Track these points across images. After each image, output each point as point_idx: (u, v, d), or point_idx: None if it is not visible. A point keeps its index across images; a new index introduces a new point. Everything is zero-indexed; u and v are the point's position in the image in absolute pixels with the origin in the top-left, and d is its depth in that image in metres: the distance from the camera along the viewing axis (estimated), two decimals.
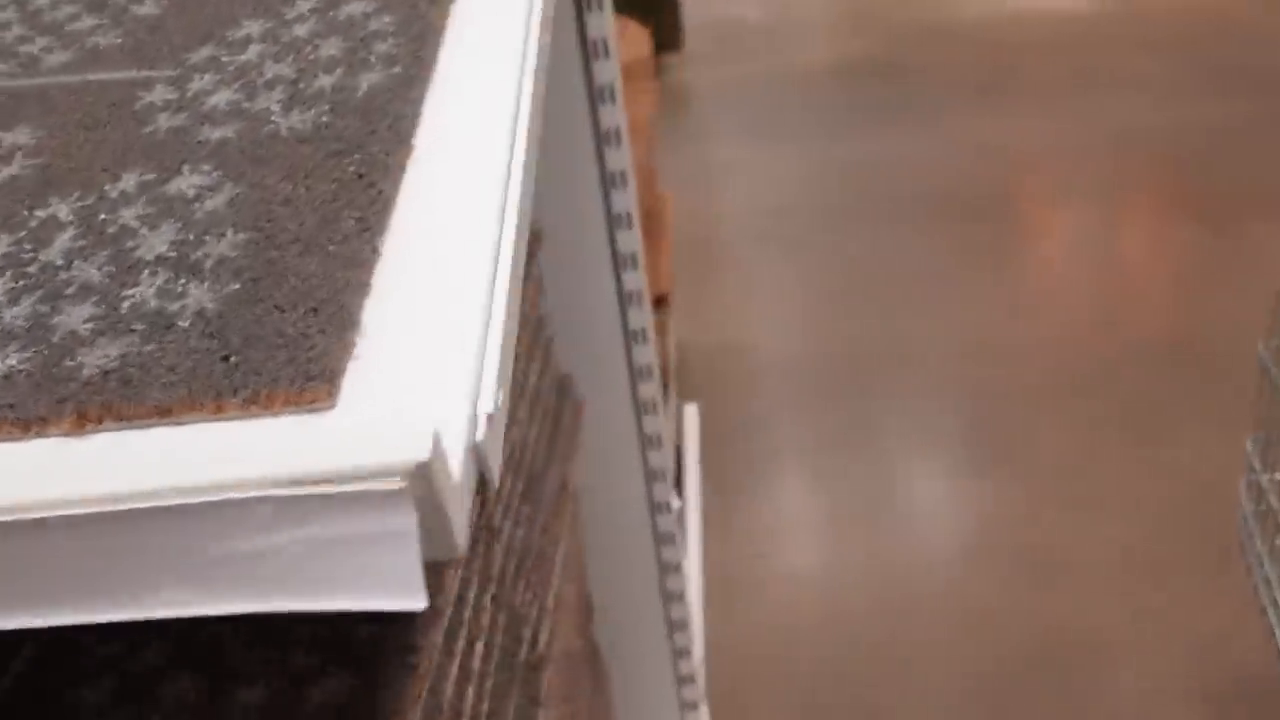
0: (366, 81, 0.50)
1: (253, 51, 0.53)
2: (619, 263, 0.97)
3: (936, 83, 3.23)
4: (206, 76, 0.52)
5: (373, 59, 0.51)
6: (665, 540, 1.08)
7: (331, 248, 0.41)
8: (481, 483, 0.37)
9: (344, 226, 0.41)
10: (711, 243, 2.49)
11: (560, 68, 0.91)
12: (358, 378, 0.37)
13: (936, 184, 2.62)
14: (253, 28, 0.56)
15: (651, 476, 1.05)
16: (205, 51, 0.54)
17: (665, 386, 1.72)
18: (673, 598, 1.11)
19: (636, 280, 0.97)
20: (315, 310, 0.38)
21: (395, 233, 0.42)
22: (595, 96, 0.92)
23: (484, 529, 0.61)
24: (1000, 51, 3.39)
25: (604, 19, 0.90)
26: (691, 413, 1.78)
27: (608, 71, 0.91)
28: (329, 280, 0.39)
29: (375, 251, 0.41)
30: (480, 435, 0.35)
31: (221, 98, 0.50)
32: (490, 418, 0.36)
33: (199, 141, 0.48)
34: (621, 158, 0.94)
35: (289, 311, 0.38)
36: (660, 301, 1.29)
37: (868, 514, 1.72)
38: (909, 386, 1.94)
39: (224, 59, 0.53)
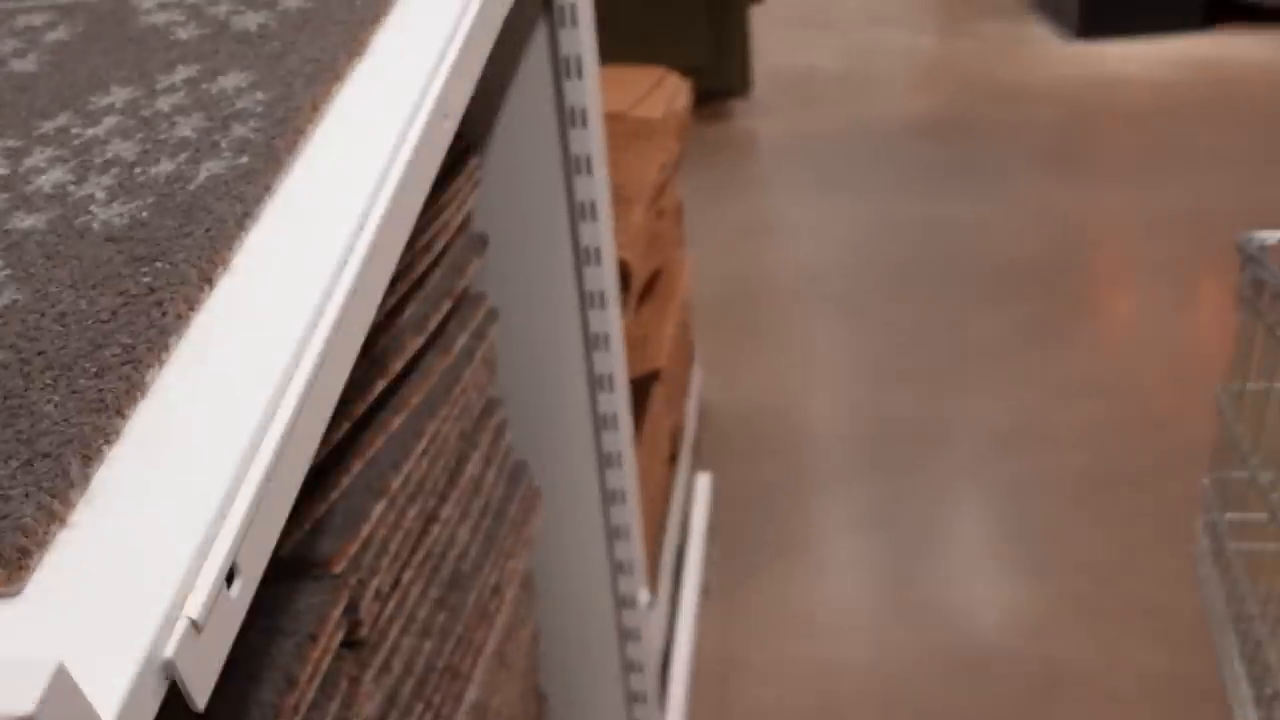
0: (207, 171, 0.44)
1: (106, 125, 0.48)
2: (590, 343, 0.90)
3: (1008, 145, 3.13)
4: (47, 151, 0.47)
5: (224, 144, 0.45)
6: (630, 636, 1.01)
7: (84, 381, 0.35)
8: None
9: (108, 355, 0.35)
10: (757, 298, 2.42)
11: (534, 135, 0.85)
12: (64, 555, 0.31)
13: (997, 252, 2.52)
14: (119, 96, 0.50)
15: (617, 569, 0.98)
16: (60, 120, 0.49)
17: (674, 456, 1.64)
18: (637, 698, 1.03)
19: (608, 362, 0.91)
20: (30, 464, 0.32)
21: (173, 365, 0.36)
22: (570, 167, 0.86)
23: (349, 680, 0.55)
24: (1077, 116, 3.28)
25: (583, 87, 0.84)
26: (703, 483, 1.70)
27: (584, 142, 0.85)
28: (63, 425, 0.33)
29: (135, 389, 0.35)
30: (171, 651, 0.28)
31: (51, 178, 0.45)
32: (196, 625, 0.29)
33: (4, 230, 0.42)
34: (596, 232, 0.87)
35: (2, 464, 0.32)
36: (653, 377, 1.22)
37: (881, 606, 1.63)
38: (943, 470, 1.84)
39: (74, 131, 0.48)
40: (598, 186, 0.86)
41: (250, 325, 0.37)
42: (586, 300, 0.89)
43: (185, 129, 0.47)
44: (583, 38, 0.83)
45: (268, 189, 0.43)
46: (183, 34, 0.54)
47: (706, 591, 1.62)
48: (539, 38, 0.83)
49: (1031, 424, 1.94)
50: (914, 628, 1.61)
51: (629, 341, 1.20)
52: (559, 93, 0.84)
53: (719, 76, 3.49)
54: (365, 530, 0.57)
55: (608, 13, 3.39)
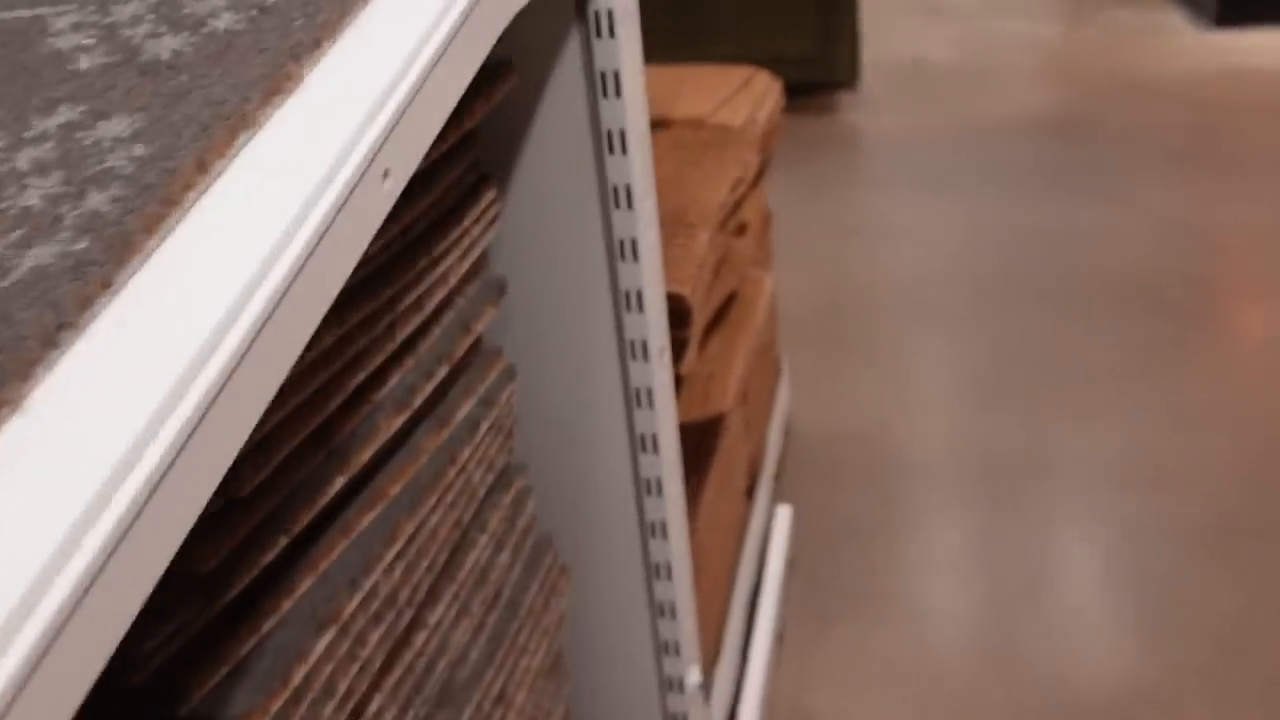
0: (34, 260, 0.33)
1: None
2: (630, 399, 0.78)
3: (1132, 146, 2.91)
4: None
5: (69, 219, 0.35)
6: None
7: None
8: None
9: None
10: (854, 309, 2.27)
11: (565, 163, 0.74)
12: None
13: (1117, 264, 2.33)
14: None
15: (662, 649, 0.87)
16: None
17: (752, 488, 1.52)
18: None
19: (652, 421, 0.79)
20: None
21: None
22: (608, 199, 0.74)
23: None
24: (1206, 114, 3.04)
25: (622, 106, 0.72)
26: (783, 517, 1.57)
27: (623, 170, 0.73)
28: None
29: None
30: None
31: None
32: None
33: None
34: (637, 274, 0.75)
35: None
36: (717, 422, 1.10)
37: (974, 661, 1.49)
38: (1049, 509, 1.68)
39: None
40: (640, 221, 0.75)
41: (26, 501, 0.27)
42: (626, 350, 0.77)
43: (34, 195, 0.36)
44: (622, 49, 0.71)
45: (105, 288, 0.32)
46: (84, 63, 0.44)
47: (780, 638, 1.50)
48: (571, 49, 0.71)
49: (1150, 458, 1.76)
50: (1009, 686, 1.46)
51: (692, 381, 1.08)
52: (594, 113, 0.72)
53: (825, 68, 3.33)
54: (298, 675, 0.46)
55: (706, 2, 3.25)
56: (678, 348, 0.99)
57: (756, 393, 1.52)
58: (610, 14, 0.70)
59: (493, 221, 0.69)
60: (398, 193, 0.41)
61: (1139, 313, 2.14)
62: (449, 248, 0.65)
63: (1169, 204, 2.57)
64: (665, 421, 0.79)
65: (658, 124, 1.36)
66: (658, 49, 3.30)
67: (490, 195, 0.69)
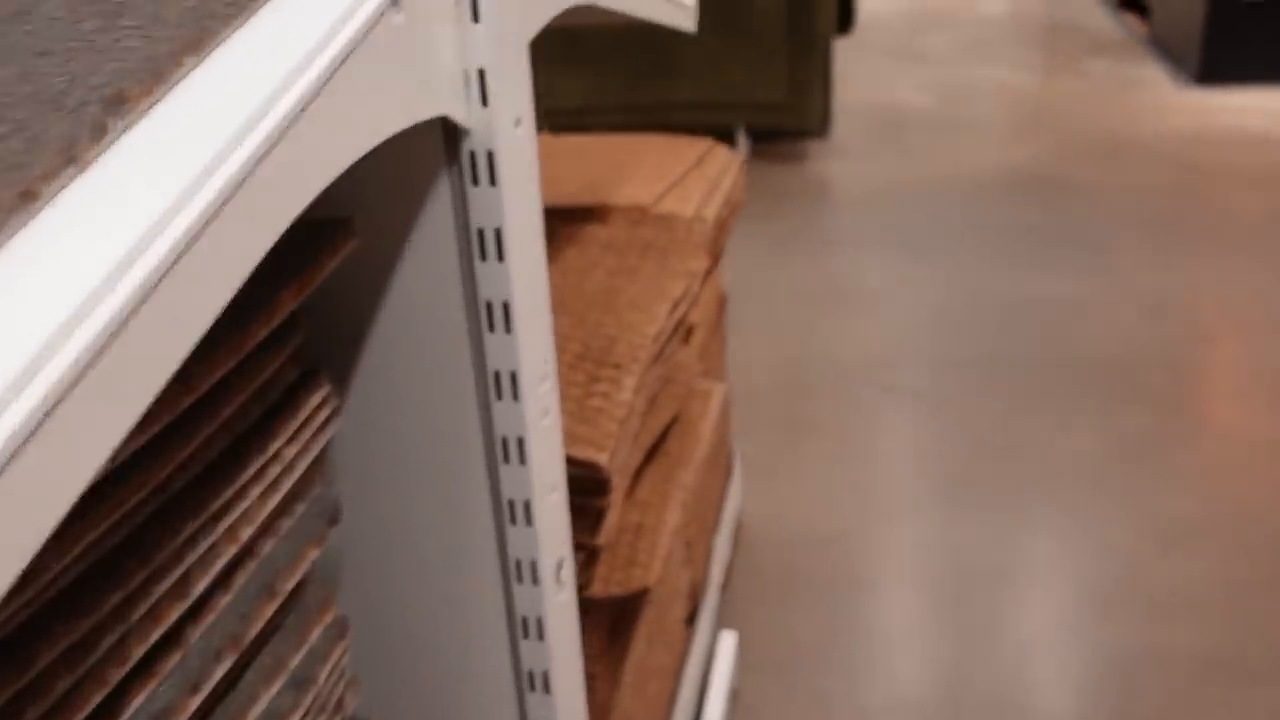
0: None
1: None
2: (516, 629, 0.62)
3: (1113, 209, 2.78)
4: None
5: None
6: None
7: None
8: None
9: None
10: (815, 388, 2.11)
11: (431, 339, 0.57)
12: None
13: (1097, 344, 2.19)
14: None
15: None
16: None
17: (693, 617, 1.35)
18: None
19: (541, 655, 0.62)
20: None
21: None
22: (488, 389, 0.57)
23: None
24: (1187, 177, 2.92)
25: (506, 274, 0.55)
26: (728, 644, 1.41)
27: (507, 354, 0.56)
28: None
29: None
30: None
31: None
32: None
33: None
34: (524, 481, 0.59)
35: None
36: (641, 594, 0.93)
37: None
38: (1022, 635, 1.53)
39: None
40: (529, 414, 0.58)
41: None
42: (511, 571, 0.61)
43: None
44: (508, 201, 0.54)
45: None
46: None
47: None
48: (438, 201, 0.55)
49: (1133, 576, 1.61)
50: None
51: (617, 540, 0.92)
52: (470, 281, 0.56)
53: (796, 115, 3.18)
54: None
55: (675, 44, 3.11)
56: (596, 516, 0.83)
57: (702, 506, 1.35)
58: (491, 156, 0.53)
59: (325, 425, 0.53)
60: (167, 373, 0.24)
61: (1118, 401, 2.00)
62: (264, 466, 0.49)
63: (1149, 277, 2.43)
64: (560, 657, 0.63)
65: (592, 214, 1.20)
66: (625, 90, 3.15)
67: (322, 394, 0.52)
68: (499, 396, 0.58)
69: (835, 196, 3.05)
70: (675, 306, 0.96)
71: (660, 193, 1.27)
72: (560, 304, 0.95)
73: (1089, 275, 2.45)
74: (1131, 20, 4.16)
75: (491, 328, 0.56)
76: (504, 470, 0.59)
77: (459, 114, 0.51)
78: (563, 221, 1.17)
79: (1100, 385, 2.05)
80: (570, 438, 0.79)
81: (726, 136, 3.33)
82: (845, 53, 3.72)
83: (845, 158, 3.24)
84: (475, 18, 0.51)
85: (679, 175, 1.33)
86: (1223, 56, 3.48)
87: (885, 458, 1.91)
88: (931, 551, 1.69)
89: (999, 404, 2.02)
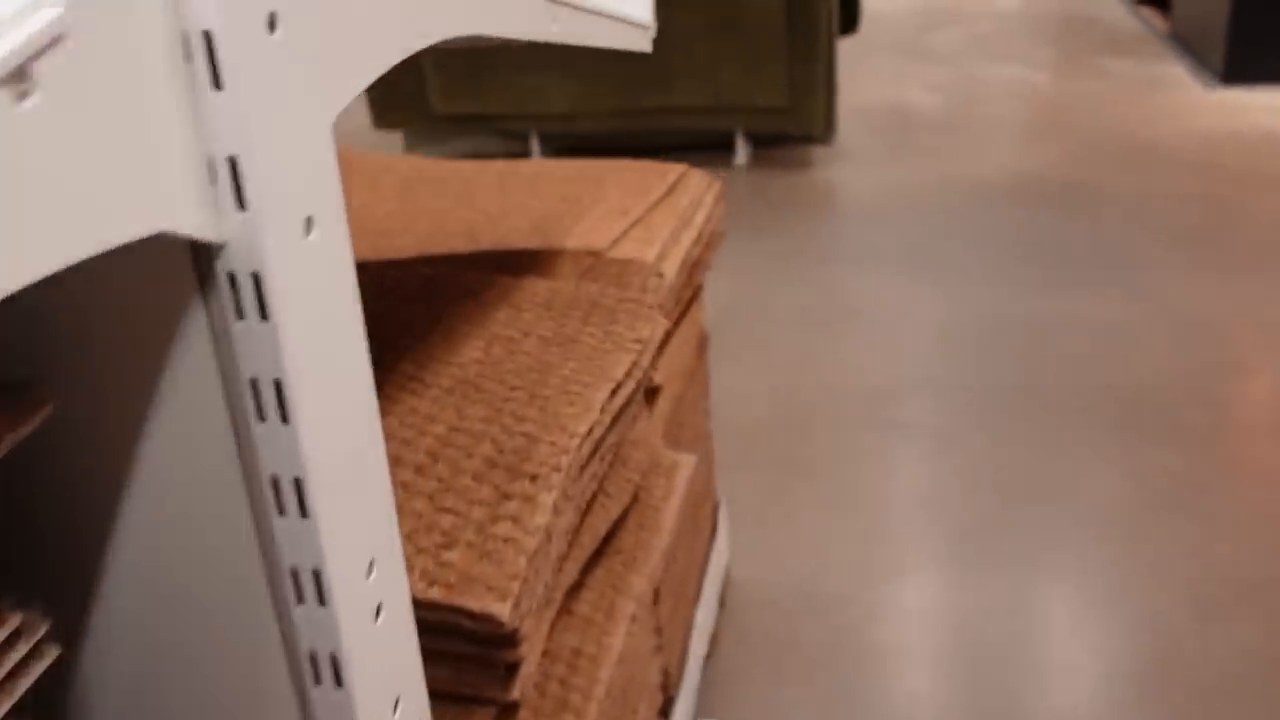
0: None
1: None
2: None
3: (1137, 219, 2.59)
4: None
5: None
6: None
7: None
8: None
9: None
10: (812, 422, 1.94)
11: (202, 505, 0.40)
12: None
13: (1122, 372, 2.01)
14: None
15: None
16: None
17: (666, 709, 1.18)
18: None
19: None
20: None
21: None
22: (280, 604, 0.40)
23: None
24: (1217, 185, 2.72)
25: (295, 437, 0.38)
26: None
27: (307, 548, 0.39)
28: None
29: None
30: None
31: None
32: None
33: None
34: None
35: None
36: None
37: None
38: (1039, 712, 1.35)
39: None
40: (341, 621, 0.41)
41: None
42: None
43: None
44: (291, 340, 0.37)
45: None
46: None
47: None
48: (190, 343, 0.37)
49: (1168, 651, 1.43)
50: None
51: (548, 679, 0.75)
52: (245, 450, 0.39)
53: (799, 120, 3.00)
54: None
55: (669, 45, 2.92)
56: (507, 668, 0.66)
57: (675, 582, 1.18)
58: (258, 280, 0.36)
59: (23, 665, 0.36)
60: None
61: (1149, 439, 1.82)
62: None
63: (1180, 297, 2.25)
64: None
65: (537, 260, 1.02)
66: (616, 95, 2.97)
67: (15, 621, 0.35)
68: (299, 600, 0.40)
69: (839, 207, 2.87)
70: (617, 390, 0.79)
71: (619, 233, 1.09)
72: (476, 387, 0.78)
73: (1114, 294, 2.27)
74: (1151, 15, 3.96)
75: (281, 510, 0.39)
76: (315, 694, 0.42)
77: (194, 224, 0.34)
78: (502, 270, 1.00)
79: (1129, 421, 1.87)
80: (464, 581, 0.62)
81: (725, 142, 3.16)
82: (850, 50, 3.54)
83: (850, 164, 3.06)
84: (216, 83, 0.34)
85: (644, 210, 1.15)
86: (1249, 53, 3.28)
87: (890, 505, 1.73)
88: (942, 617, 1.51)
89: (1017, 443, 1.84)
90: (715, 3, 2.93)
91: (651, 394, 1.08)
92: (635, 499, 0.95)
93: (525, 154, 3.30)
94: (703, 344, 1.39)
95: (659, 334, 0.89)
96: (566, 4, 0.70)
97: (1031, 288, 2.33)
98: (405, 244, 1.12)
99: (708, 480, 1.46)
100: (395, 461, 0.71)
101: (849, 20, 3.06)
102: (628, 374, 0.82)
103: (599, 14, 0.76)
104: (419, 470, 0.70)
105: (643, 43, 0.92)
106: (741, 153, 3.17)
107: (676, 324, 1.17)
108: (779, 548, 1.65)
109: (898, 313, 2.28)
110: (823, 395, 2.01)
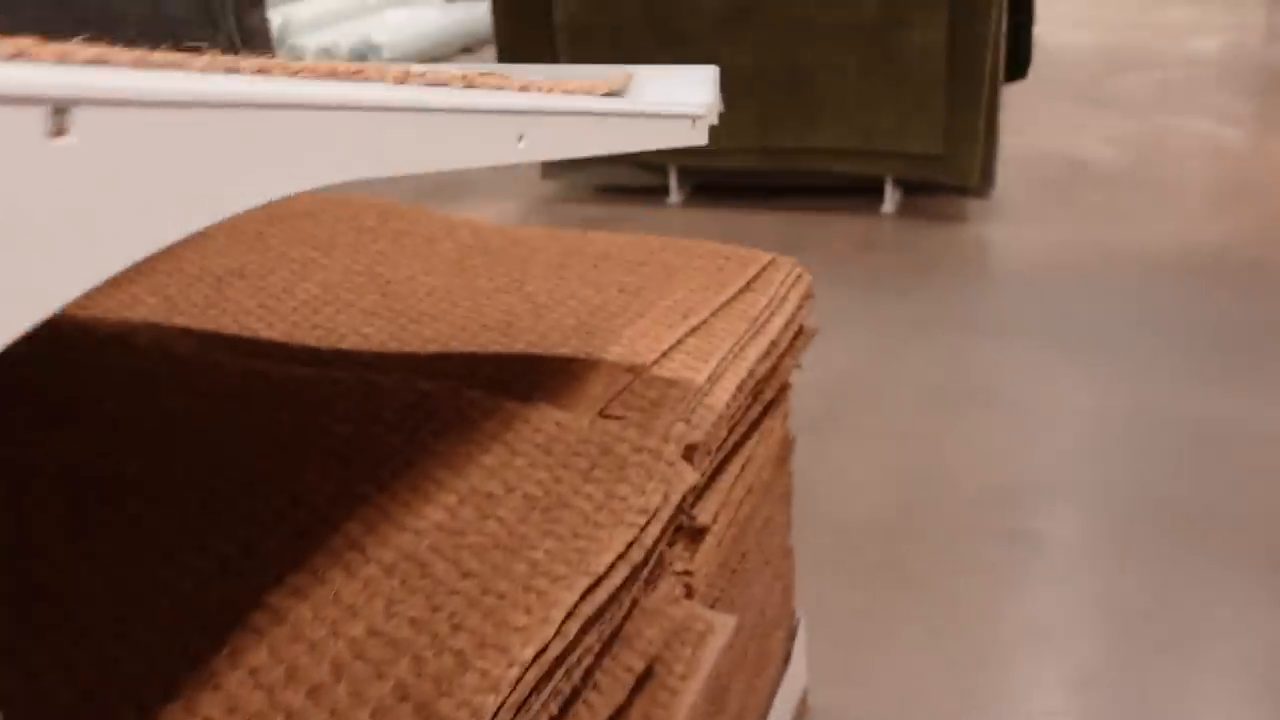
0: None
1: None
2: None
3: None
4: None
5: None
6: None
7: None
8: None
9: None
10: (921, 530, 1.72)
11: None
12: None
13: None
14: None
15: None
16: None
17: None
18: None
19: None
20: None
21: None
22: None
23: None
24: None
25: None
26: None
27: None
28: None
29: None
30: None
31: None
32: None
33: None
34: None
35: None
36: None
37: None
38: None
39: None
40: None
41: None
42: None
43: None
44: None
45: None
46: None
47: None
48: None
49: None
50: None
51: None
52: None
53: (953, 170, 2.77)
54: None
55: (817, 81, 2.72)
56: None
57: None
58: None
59: None
60: None
61: None
62: None
63: None
64: None
65: (568, 372, 0.86)
66: (757, 131, 2.79)
67: None
68: None
69: (988, 268, 2.62)
70: (597, 585, 0.62)
71: (673, 341, 0.93)
72: (421, 570, 0.63)
73: None
74: None
75: None
76: None
77: None
78: (515, 388, 0.84)
79: None
80: None
81: (874, 189, 2.94)
82: (1021, 93, 3.27)
83: (1007, 220, 2.80)
84: None
85: (709, 312, 0.98)
86: None
87: (1002, 633, 1.51)
88: None
89: (1164, 572, 1.59)
90: (874, 40, 2.73)
91: (697, 536, 0.91)
92: (648, 673, 0.78)
93: (663, 188, 3.15)
94: (784, 453, 1.20)
95: (676, 497, 0.72)
96: (548, 112, 0.54)
97: (1203, 383, 2.05)
98: (433, 334, 0.98)
99: (783, 605, 1.27)
100: (290, 677, 0.56)
101: (1018, 65, 2.81)
102: (621, 556, 0.65)
103: (604, 114, 0.60)
104: (313, 694, 0.55)
105: (692, 135, 0.75)
106: (890, 200, 2.95)
107: (739, 445, 0.99)
108: (868, 671, 1.45)
109: (1041, 399, 2.03)
110: (941, 491, 1.79)
